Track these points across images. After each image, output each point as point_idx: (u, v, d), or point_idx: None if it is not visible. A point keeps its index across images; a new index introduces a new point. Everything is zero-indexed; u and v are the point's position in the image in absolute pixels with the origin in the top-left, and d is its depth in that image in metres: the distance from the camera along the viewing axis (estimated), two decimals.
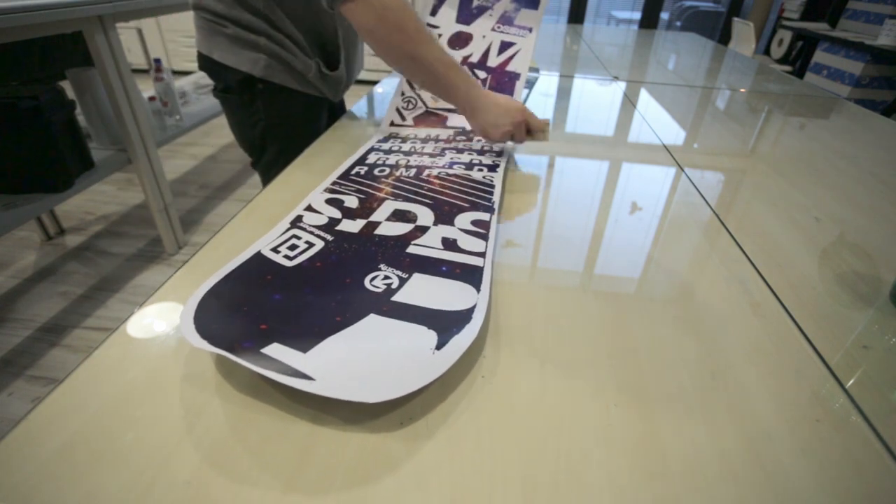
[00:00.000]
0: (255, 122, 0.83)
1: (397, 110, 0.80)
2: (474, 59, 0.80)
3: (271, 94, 0.80)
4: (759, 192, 0.63)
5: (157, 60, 1.71)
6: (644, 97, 1.05)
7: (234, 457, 0.27)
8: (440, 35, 0.81)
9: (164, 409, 0.30)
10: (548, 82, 1.14)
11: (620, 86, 1.14)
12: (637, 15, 4.30)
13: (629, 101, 1.01)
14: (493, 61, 0.79)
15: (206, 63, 0.81)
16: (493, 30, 0.79)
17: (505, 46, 0.79)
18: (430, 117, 0.79)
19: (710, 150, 0.76)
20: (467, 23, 0.81)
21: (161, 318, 0.37)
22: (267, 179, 0.87)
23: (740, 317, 0.40)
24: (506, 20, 0.79)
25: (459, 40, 0.81)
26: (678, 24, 4.46)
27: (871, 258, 0.50)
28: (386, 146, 0.69)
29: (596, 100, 1.03)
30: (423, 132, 0.76)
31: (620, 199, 0.59)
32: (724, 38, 4.01)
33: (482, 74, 0.79)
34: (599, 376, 0.33)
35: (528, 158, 0.70)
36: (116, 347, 0.34)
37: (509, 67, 0.78)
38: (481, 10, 0.80)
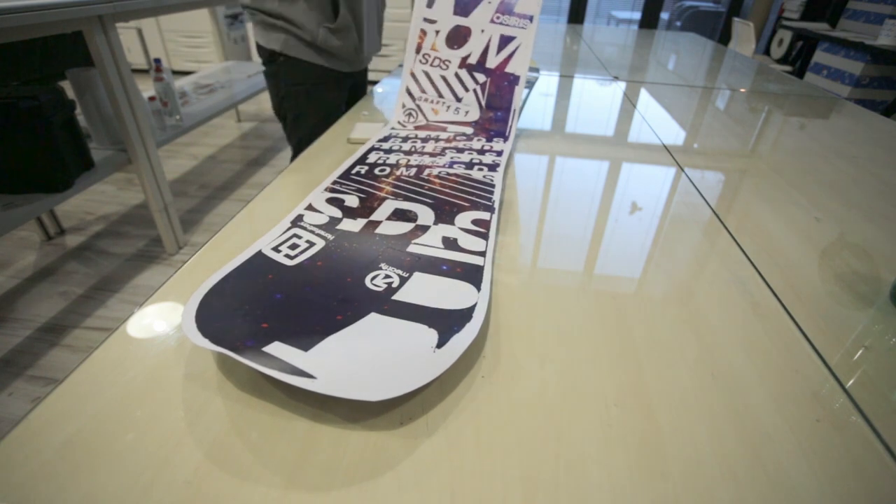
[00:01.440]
0: (278, 92, 1.04)
1: (399, 123, 0.79)
2: (473, 59, 0.75)
3: (289, 67, 1.00)
4: (759, 192, 0.63)
5: (157, 60, 1.71)
6: (644, 97, 1.05)
7: (235, 456, 0.27)
8: (437, 31, 0.77)
9: (164, 408, 0.30)
10: (548, 82, 1.14)
11: (620, 86, 1.14)
12: (637, 15, 4.30)
13: (629, 101, 1.01)
14: (493, 61, 0.75)
15: (257, 48, 1.05)
16: (492, 21, 0.74)
17: (505, 42, 0.74)
18: (430, 127, 0.77)
19: (710, 150, 0.76)
20: (465, 14, 0.75)
21: (161, 318, 0.37)
22: (293, 147, 1.10)
23: (740, 317, 0.40)
24: (506, 8, 0.74)
25: (458, 37, 0.76)
26: (678, 24, 4.46)
27: (871, 258, 0.50)
28: (386, 146, 0.69)
29: (596, 100, 1.03)
30: (423, 133, 0.76)
31: (620, 199, 0.59)
32: (724, 38, 4.01)
33: (481, 78, 0.76)
34: (599, 376, 0.33)
35: (528, 158, 0.70)
36: (116, 347, 0.34)
37: (509, 68, 0.74)
38: None
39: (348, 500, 0.25)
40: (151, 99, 1.70)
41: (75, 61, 1.54)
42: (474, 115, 0.75)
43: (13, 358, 1.24)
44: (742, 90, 1.17)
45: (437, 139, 0.72)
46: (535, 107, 0.95)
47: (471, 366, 0.33)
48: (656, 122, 0.89)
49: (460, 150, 0.68)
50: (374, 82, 1.07)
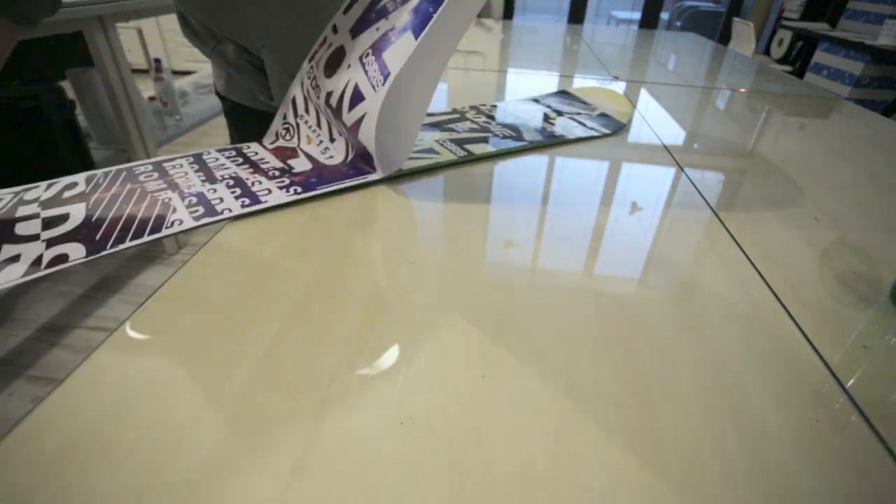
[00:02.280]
0: (233, 138, 0.80)
1: (276, 133, 0.66)
2: (333, 100, 0.56)
3: (237, 112, 0.76)
4: (759, 192, 0.63)
5: (157, 60, 1.71)
6: (644, 97, 1.05)
7: (236, 455, 0.27)
8: (331, 45, 0.57)
9: (164, 409, 0.30)
10: (548, 82, 1.14)
11: (620, 86, 1.14)
12: (637, 15, 4.30)
13: (629, 101, 1.01)
14: (347, 117, 0.54)
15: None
16: (360, 58, 0.52)
17: (356, 98, 0.52)
18: (288, 151, 0.62)
19: (710, 150, 0.76)
20: (355, 35, 0.55)
21: (161, 318, 0.37)
22: None
23: (740, 317, 0.40)
24: (379, 47, 0.50)
25: (334, 62, 0.56)
26: (678, 24, 4.46)
27: (871, 258, 0.50)
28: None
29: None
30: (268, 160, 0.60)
31: (620, 199, 0.59)
32: (724, 38, 4.01)
33: (344, 130, 0.56)
34: (599, 376, 0.33)
35: (528, 157, 0.70)
36: (116, 347, 0.34)
37: (361, 135, 0.53)
38: (381, 15, 0.51)
39: (348, 500, 0.25)
40: (151, 99, 1.70)
41: (75, 61, 1.54)
42: (338, 160, 0.59)
43: (13, 358, 1.24)
44: (742, 90, 1.17)
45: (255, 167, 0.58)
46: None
47: (471, 366, 0.33)
48: (656, 121, 0.89)
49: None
50: None
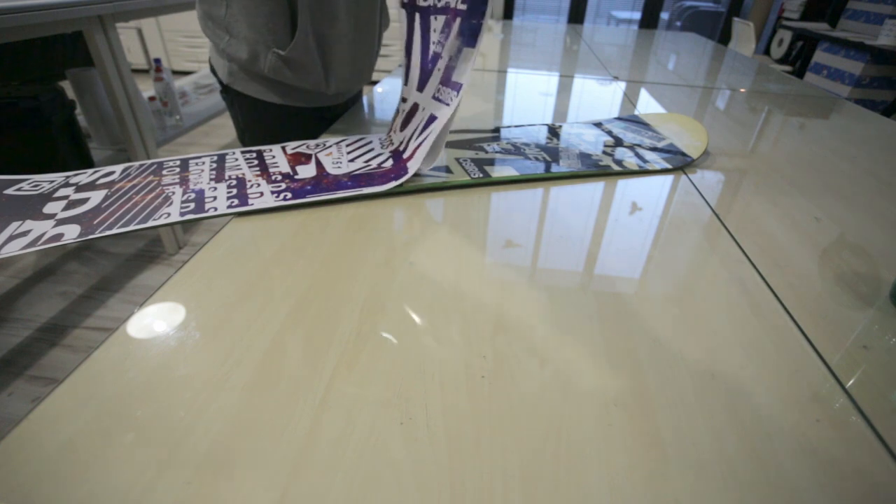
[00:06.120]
0: (237, 126, 0.85)
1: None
2: (403, 145, 0.63)
3: (241, 102, 0.79)
4: (759, 192, 0.63)
5: (157, 60, 1.71)
6: (644, 97, 1.05)
7: (234, 457, 0.27)
8: (403, 111, 0.66)
9: (164, 409, 0.30)
10: (548, 82, 1.14)
11: (620, 86, 1.14)
12: (637, 15, 4.31)
13: (629, 101, 1.01)
14: (413, 143, 0.60)
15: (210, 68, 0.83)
16: (433, 96, 0.59)
17: (428, 123, 0.58)
18: (302, 158, 0.65)
19: (710, 150, 0.76)
20: (421, 88, 0.62)
21: (161, 318, 0.37)
22: None
23: (740, 317, 0.40)
24: (446, 77, 0.57)
25: (407, 119, 0.64)
26: (678, 24, 4.46)
27: (871, 258, 0.50)
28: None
29: (596, 100, 1.03)
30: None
31: (620, 199, 0.59)
32: (724, 38, 4.02)
33: (393, 164, 0.61)
34: (599, 376, 0.33)
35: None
36: (116, 347, 0.34)
37: (410, 163, 0.59)
38: (435, 60, 0.58)
39: (348, 501, 0.25)
40: (151, 99, 1.70)
41: (75, 61, 1.54)
42: (343, 171, 0.61)
43: (13, 358, 1.24)
44: (742, 90, 1.17)
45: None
46: (535, 107, 0.95)
47: (471, 366, 0.33)
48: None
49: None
50: (374, 82, 1.06)
